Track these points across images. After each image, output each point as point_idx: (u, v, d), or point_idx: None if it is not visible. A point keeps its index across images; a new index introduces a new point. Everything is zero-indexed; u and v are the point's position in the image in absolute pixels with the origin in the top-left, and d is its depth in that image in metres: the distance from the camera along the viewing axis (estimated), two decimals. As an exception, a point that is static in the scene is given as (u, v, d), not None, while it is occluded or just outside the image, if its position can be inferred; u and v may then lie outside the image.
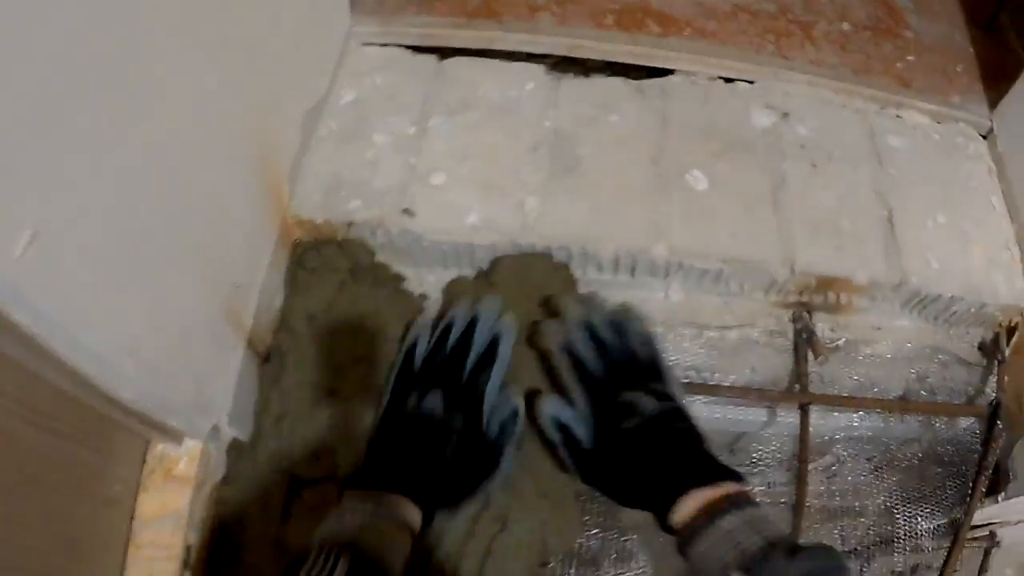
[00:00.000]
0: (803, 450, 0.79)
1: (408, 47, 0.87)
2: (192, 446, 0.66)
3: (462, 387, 0.63)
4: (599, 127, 0.81)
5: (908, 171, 0.87)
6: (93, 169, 0.43)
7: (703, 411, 0.81)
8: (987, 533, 0.84)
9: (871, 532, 0.87)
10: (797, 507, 0.77)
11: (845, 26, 0.93)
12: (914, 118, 0.91)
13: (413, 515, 0.56)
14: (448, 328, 0.66)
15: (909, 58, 0.93)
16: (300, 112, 0.78)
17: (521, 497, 0.68)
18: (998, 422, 0.83)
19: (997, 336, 0.87)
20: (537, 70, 0.85)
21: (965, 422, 0.90)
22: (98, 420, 0.55)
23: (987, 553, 0.84)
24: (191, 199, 0.56)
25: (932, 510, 0.86)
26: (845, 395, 0.83)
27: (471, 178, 0.77)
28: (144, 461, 0.65)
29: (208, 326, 0.63)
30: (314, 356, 0.74)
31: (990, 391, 0.87)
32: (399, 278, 0.79)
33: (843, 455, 0.83)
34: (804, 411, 0.80)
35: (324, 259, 0.77)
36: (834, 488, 0.83)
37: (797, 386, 0.81)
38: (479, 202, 0.76)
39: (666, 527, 0.55)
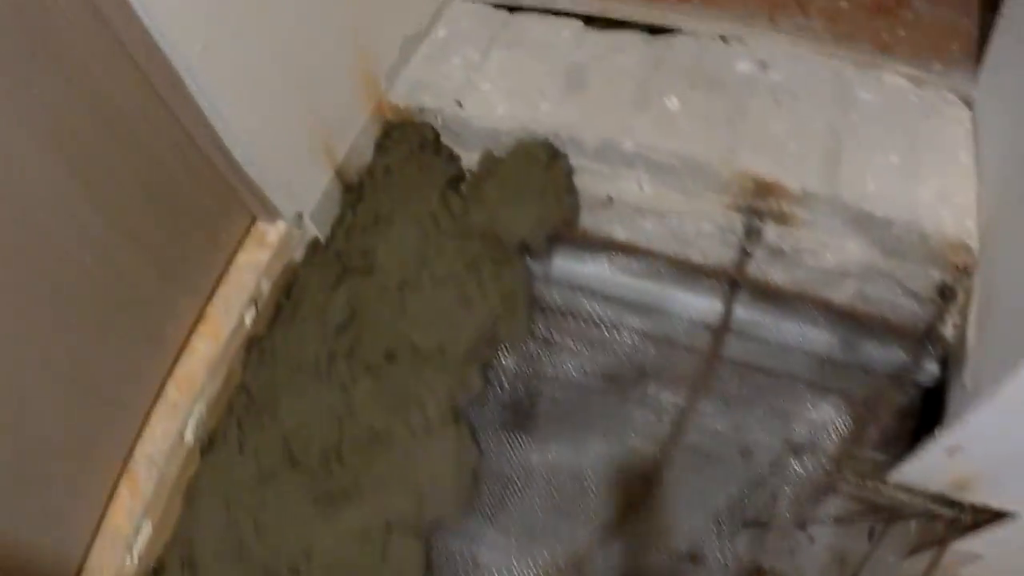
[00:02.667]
0: (723, 327, 0.99)
1: (490, 4, 1.23)
2: (282, 225, 1.05)
3: None
4: (606, 62, 1.10)
5: (872, 119, 1.04)
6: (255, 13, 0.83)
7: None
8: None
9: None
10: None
11: (843, 4, 1.12)
12: (894, 80, 1.08)
13: None
14: None
15: (900, 32, 1.09)
16: (400, 35, 1.16)
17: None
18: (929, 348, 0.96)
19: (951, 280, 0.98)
20: (574, 23, 1.16)
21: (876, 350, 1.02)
22: (219, 184, 0.93)
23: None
24: (315, 52, 0.96)
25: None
26: (776, 285, 1.01)
27: (507, 88, 1.10)
28: (247, 229, 1.04)
29: (308, 143, 1.02)
30: (383, 192, 1.11)
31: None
32: (452, 154, 1.13)
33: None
34: (733, 287, 1.00)
35: (404, 132, 1.14)
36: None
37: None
38: (507, 102, 1.08)
39: None
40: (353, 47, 1.06)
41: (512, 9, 1.21)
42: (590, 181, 1.06)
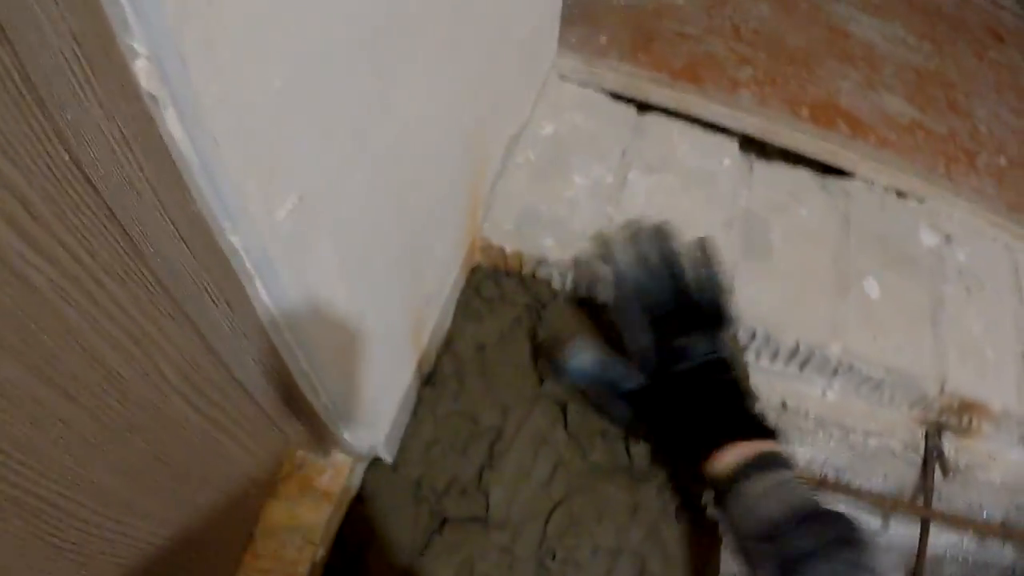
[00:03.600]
0: (920, 563, 0.81)
1: (605, 91, 0.86)
2: (340, 459, 0.63)
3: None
4: (789, 216, 0.82)
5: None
6: (357, 145, 0.40)
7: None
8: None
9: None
10: (908, 620, 0.79)
11: (1002, 160, 0.97)
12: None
13: None
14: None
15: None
16: (506, 135, 0.76)
17: (676, 572, 0.68)
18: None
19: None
20: (732, 146, 0.85)
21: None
22: (257, 417, 0.51)
23: None
24: (421, 199, 0.54)
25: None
26: (961, 515, 0.86)
27: (667, 241, 0.77)
28: (280, 466, 0.61)
29: (397, 336, 0.61)
30: (478, 388, 0.72)
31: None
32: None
33: (950, 574, 0.85)
34: (925, 525, 0.82)
35: (503, 290, 0.75)
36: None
37: (921, 500, 0.83)
38: (673, 267, 0.75)
39: (700, 476, 0.58)
40: (470, 164, 0.65)
41: (642, 107, 0.86)
42: (762, 380, 0.80)
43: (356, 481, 0.67)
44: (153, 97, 0.26)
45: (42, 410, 0.28)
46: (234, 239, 0.33)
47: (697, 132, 0.85)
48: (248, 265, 0.35)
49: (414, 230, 0.55)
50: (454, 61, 0.53)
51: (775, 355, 0.77)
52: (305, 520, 0.61)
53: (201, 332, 0.39)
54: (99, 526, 0.36)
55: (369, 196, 0.44)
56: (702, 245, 0.64)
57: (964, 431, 0.86)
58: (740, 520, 0.54)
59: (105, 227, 0.28)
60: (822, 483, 0.79)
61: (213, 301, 0.37)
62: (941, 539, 0.87)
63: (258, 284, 0.37)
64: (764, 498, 0.52)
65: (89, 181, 0.27)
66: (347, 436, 0.58)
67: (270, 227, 0.34)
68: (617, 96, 0.86)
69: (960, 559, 0.87)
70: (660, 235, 0.64)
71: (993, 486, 0.89)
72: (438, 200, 0.60)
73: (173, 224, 0.31)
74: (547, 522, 0.68)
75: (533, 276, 0.76)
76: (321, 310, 0.43)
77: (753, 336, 0.75)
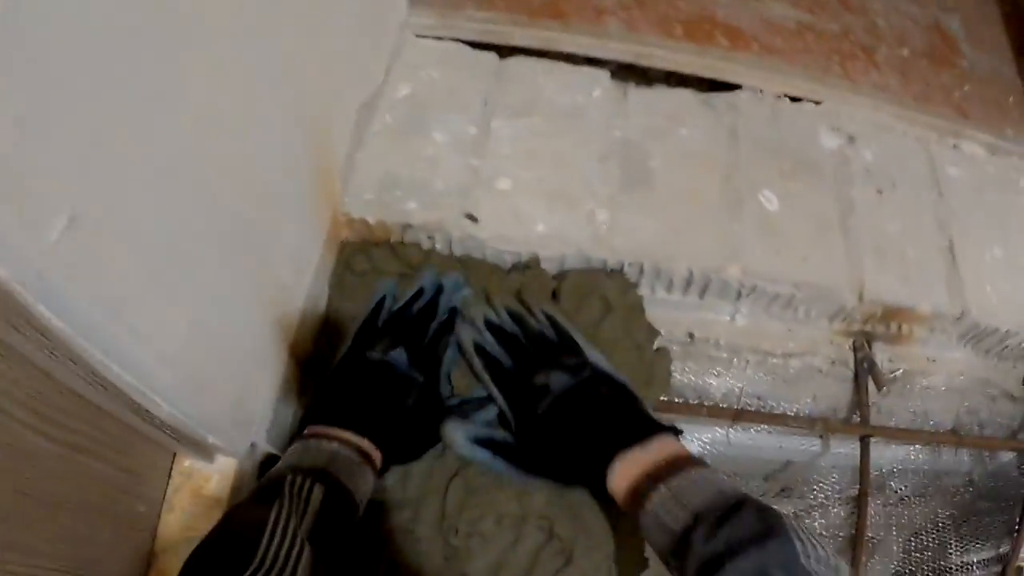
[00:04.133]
0: (864, 482, 0.76)
1: (465, 42, 0.82)
2: (225, 463, 0.60)
3: (424, 348, 0.63)
4: (669, 140, 0.77)
5: (966, 202, 0.86)
6: (140, 145, 0.37)
7: (762, 440, 0.78)
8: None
9: (924, 566, 0.86)
10: (857, 539, 0.75)
11: (904, 52, 0.91)
12: (971, 149, 0.91)
13: (375, 456, 0.56)
14: (417, 293, 0.66)
15: (965, 88, 0.92)
16: (355, 104, 0.72)
17: (588, 532, 0.64)
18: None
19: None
20: (603, 76, 0.81)
21: (1008, 456, 0.89)
22: (121, 433, 0.49)
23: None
24: (240, 188, 0.51)
25: (981, 543, 0.84)
26: (903, 428, 0.81)
27: (538, 185, 0.72)
28: (169, 477, 0.59)
29: (252, 331, 0.57)
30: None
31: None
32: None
33: (900, 488, 0.80)
34: (865, 443, 0.77)
35: (375, 262, 0.71)
36: (889, 522, 0.81)
37: (857, 417, 0.79)
38: (547, 211, 0.71)
39: (608, 499, 0.54)
40: (306, 140, 0.61)
41: (502, 52, 0.81)
42: (661, 313, 0.75)
43: (247, 481, 0.64)
44: None
45: None
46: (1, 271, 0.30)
47: (564, 69, 0.81)
48: (27, 296, 0.32)
49: (244, 221, 0.52)
50: (260, 36, 0.49)
51: (670, 286, 0.73)
52: (201, 528, 0.58)
53: (32, 361, 0.36)
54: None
55: (168, 198, 0.41)
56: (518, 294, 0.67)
57: (895, 338, 0.81)
58: (655, 541, 0.48)
59: None
60: (742, 414, 0.74)
61: (19, 331, 0.34)
62: (887, 454, 0.82)
63: (43, 310, 0.33)
64: (666, 512, 0.47)
65: None
66: (216, 440, 0.55)
67: (40, 253, 0.31)
68: (478, 45, 0.82)
69: (911, 472, 0.82)
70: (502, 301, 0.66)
71: (937, 392, 0.84)
72: (270, 185, 0.56)
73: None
74: (444, 496, 0.64)
75: (402, 243, 0.72)
76: (136, 324, 0.40)
77: (641, 271, 0.71)
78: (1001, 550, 0.84)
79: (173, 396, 0.46)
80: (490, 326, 0.65)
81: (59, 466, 0.42)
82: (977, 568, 0.84)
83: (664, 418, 0.56)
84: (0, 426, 0.36)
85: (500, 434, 0.61)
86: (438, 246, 0.71)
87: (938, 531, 0.83)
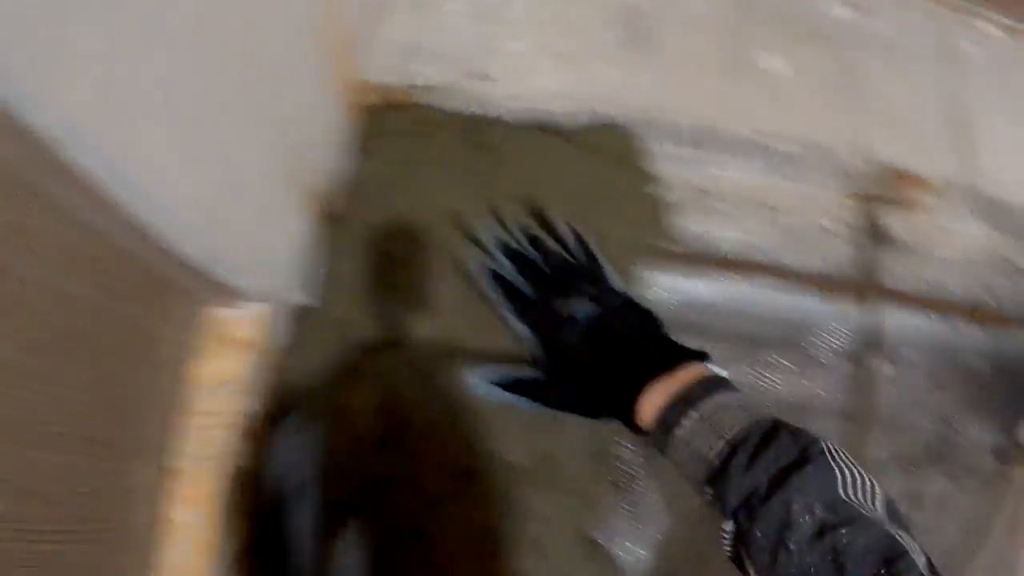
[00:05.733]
0: (872, 346, 0.77)
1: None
2: (256, 309, 0.63)
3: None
4: (676, 6, 0.80)
5: (981, 77, 0.86)
6: (159, 9, 0.38)
7: (769, 296, 0.79)
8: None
9: (931, 444, 0.86)
10: (863, 408, 0.76)
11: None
12: (988, 28, 0.91)
13: None
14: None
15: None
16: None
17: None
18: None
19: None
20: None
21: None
22: (152, 278, 0.50)
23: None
24: (252, 46, 0.51)
25: (992, 423, 0.84)
26: (915, 296, 0.82)
27: (549, 46, 0.76)
28: (198, 325, 0.60)
29: (270, 183, 0.59)
30: (386, 220, 0.73)
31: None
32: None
33: (912, 359, 0.81)
34: (874, 304, 0.79)
35: (398, 124, 0.76)
36: (897, 396, 0.81)
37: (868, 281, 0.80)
38: (558, 70, 0.74)
39: (638, 430, 0.52)
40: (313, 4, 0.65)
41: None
42: (672, 169, 0.77)
43: (282, 329, 0.68)
44: None
45: None
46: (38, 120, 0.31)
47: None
48: (64, 147, 0.34)
49: (259, 80, 0.53)
50: None
51: (679, 140, 0.75)
52: (231, 372, 0.61)
53: (64, 209, 0.38)
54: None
55: (186, 56, 0.42)
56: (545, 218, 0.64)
57: (907, 205, 0.82)
58: (687, 470, 0.47)
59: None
60: (754, 267, 0.76)
61: (55, 181, 0.36)
62: (900, 320, 0.83)
63: (77, 158, 0.35)
64: (699, 439, 0.46)
65: None
66: (241, 283, 0.57)
67: (75, 106, 0.33)
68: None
69: (926, 346, 0.83)
70: (522, 222, 0.63)
71: (954, 263, 0.84)
72: (277, 43, 0.58)
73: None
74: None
75: (420, 105, 0.76)
76: (162, 169, 0.42)
77: (650, 126, 0.74)
78: (1012, 432, 0.84)
79: (200, 238, 0.48)
80: (506, 250, 0.62)
81: (94, 308, 0.44)
82: (988, 449, 0.84)
83: (691, 344, 0.55)
84: (33, 268, 0.37)
85: (523, 372, 0.59)
86: (457, 106, 0.75)
87: (949, 407, 0.83)
